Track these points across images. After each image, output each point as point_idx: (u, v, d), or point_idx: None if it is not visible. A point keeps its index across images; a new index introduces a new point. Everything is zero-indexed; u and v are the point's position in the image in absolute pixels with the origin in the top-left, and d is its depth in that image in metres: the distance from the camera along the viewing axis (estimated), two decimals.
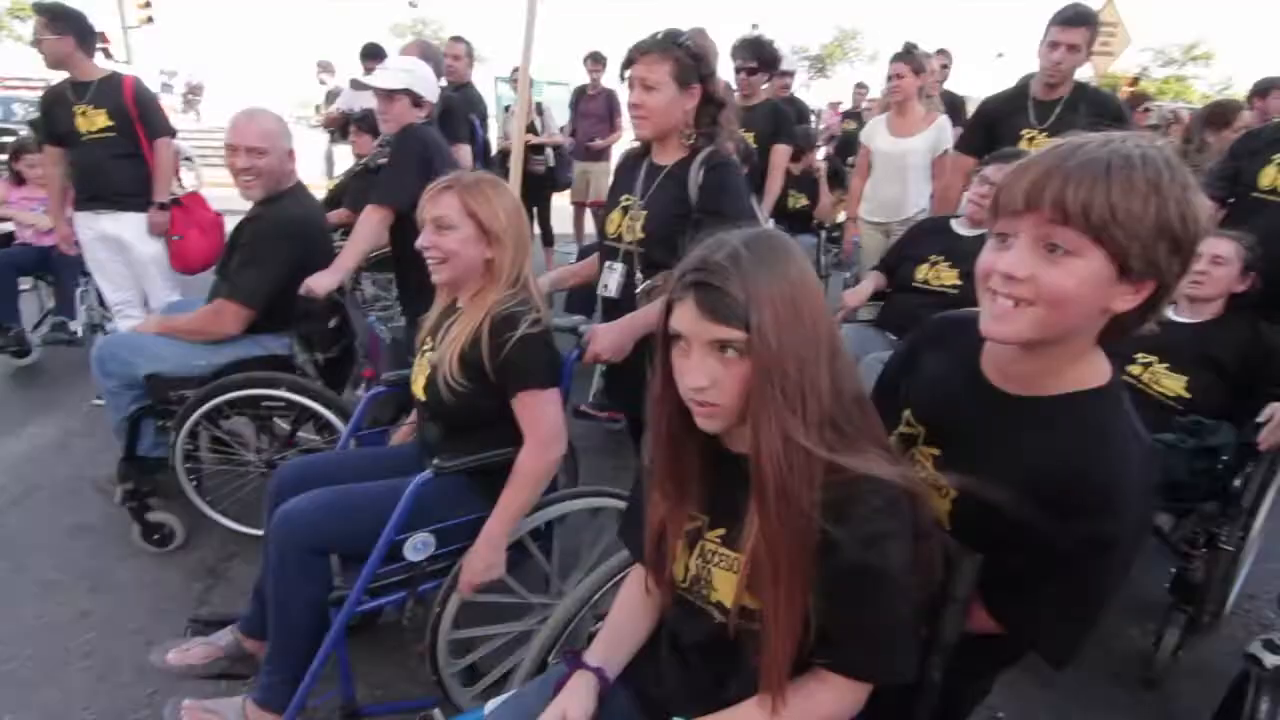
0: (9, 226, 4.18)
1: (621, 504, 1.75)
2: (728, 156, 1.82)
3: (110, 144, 3.20)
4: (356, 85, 2.72)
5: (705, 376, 0.90)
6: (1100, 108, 2.82)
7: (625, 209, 1.91)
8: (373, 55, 4.49)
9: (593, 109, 6.00)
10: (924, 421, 1.12)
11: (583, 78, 6.12)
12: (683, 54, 1.75)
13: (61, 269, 4.00)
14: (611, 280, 1.90)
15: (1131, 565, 0.96)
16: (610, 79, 6.02)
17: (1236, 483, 2.01)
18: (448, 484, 1.56)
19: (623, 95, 2.15)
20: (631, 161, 2.00)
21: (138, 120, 3.23)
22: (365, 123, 3.72)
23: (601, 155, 6.06)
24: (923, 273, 2.66)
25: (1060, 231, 0.84)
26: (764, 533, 0.91)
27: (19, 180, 4.22)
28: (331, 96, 7.06)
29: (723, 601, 1.01)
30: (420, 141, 2.47)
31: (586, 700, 1.05)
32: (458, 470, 1.53)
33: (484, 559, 1.53)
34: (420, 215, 1.62)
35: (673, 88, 1.76)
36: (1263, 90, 4.01)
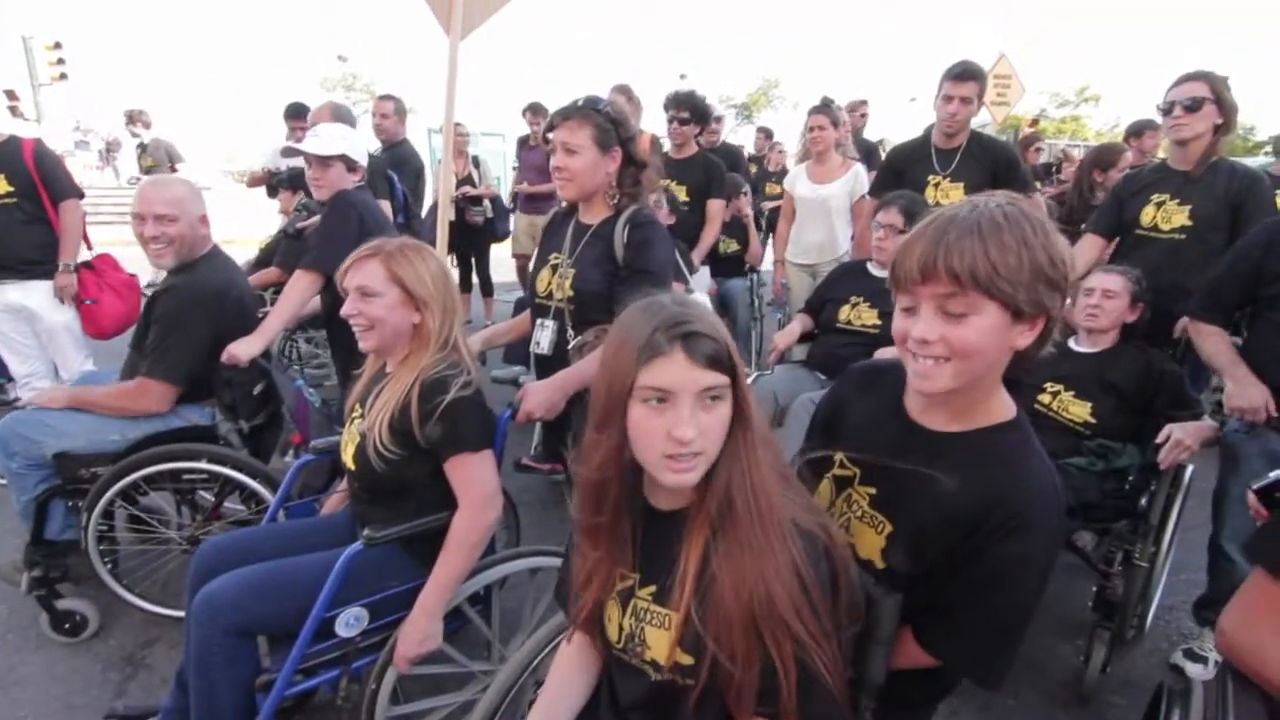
0: None
1: (545, 557, 1.74)
2: (651, 215, 1.89)
3: (12, 210, 3.09)
4: (288, 153, 2.68)
5: (695, 427, 0.92)
6: (994, 153, 3.05)
7: (554, 267, 1.95)
8: (297, 115, 4.46)
9: (534, 160, 5.84)
10: (858, 463, 1.18)
11: (523, 129, 6.03)
12: (602, 119, 1.82)
13: None
14: (544, 338, 1.93)
15: (1047, 583, 1.03)
16: None
17: (1143, 501, 2.14)
18: (379, 554, 1.53)
19: None
20: (559, 220, 2.05)
21: (41, 183, 3.12)
22: (290, 182, 3.68)
23: (546, 206, 5.86)
24: (845, 314, 2.77)
25: (955, 299, 0.97)
26: (726, 579, 0.94)
27: None
28: (144, 149, 6.54)
29: (656, 659, 1.01)
30: (354, 206, 2.46)
31: None
32: (389, 540, 1.50)
33: (420, 630, 1.49)
34: (341, 283, 1.61)
35: (594, 151, 1.82)
36: (1137, 131, 4.39)
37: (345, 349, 2.65)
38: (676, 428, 0.92)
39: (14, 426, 2.14)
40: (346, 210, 2.44)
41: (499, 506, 1.56)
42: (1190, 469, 2.24)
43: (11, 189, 3.08)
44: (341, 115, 3.59)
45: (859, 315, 2.74)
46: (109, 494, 2.13)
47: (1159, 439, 2.07)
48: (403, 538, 1.53)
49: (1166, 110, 2.47)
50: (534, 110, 5.82)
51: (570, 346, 1.87)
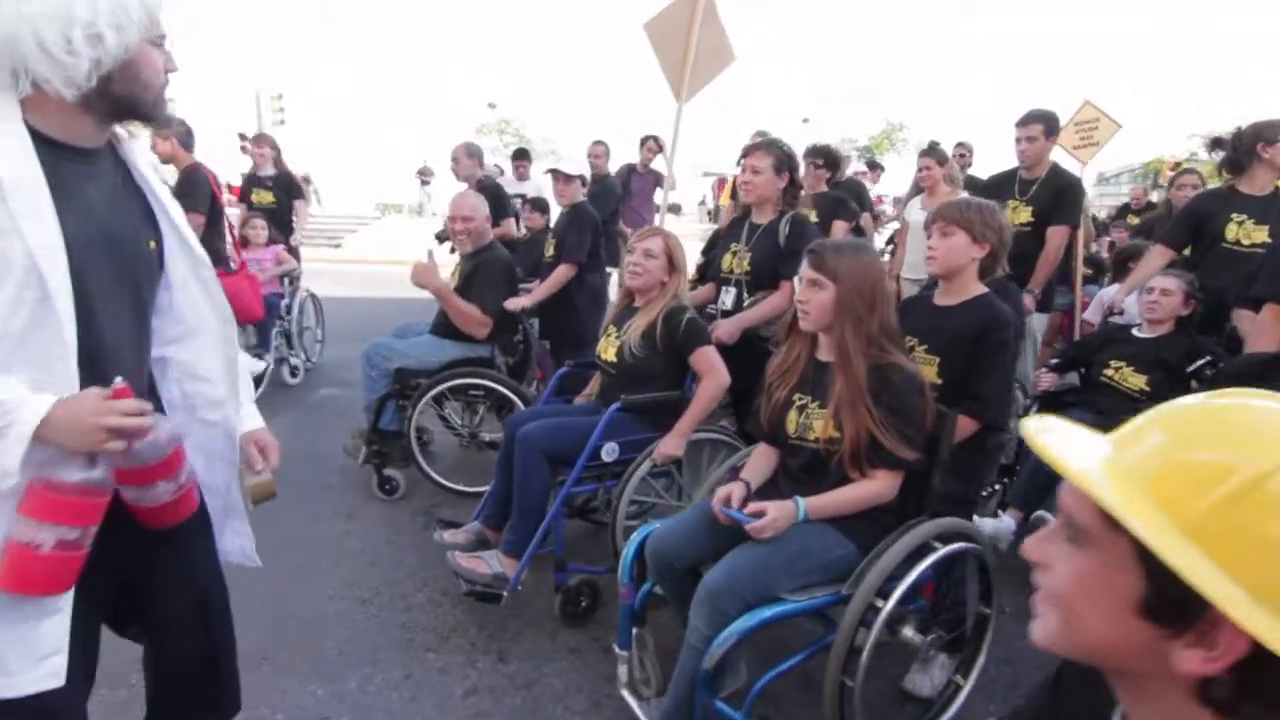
0: None
1: (726, 438, 2.64)
2: (805, 216, 2.79)
3: None
4: (552, 173, 3.85)
5: (806, 295, 1.87)
6: (1061, 181, 3.69)
7: (734, 253, 2.88)
8: (520, 156, 5.85)
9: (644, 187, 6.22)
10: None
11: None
12: (780, 153, 2.76)
13: (265, 314, 5.18)
14: (727, 299, 2.86)
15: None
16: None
17: None
18: (623, 417, 2.47)
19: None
20: (735, 223, 2.99)
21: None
22: (536, 204, 4.92)
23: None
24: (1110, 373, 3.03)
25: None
26: (844, 388, 1.81)
27: (244, 243, 5.46)
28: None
29: (818, 435, 1.87)
30: (591, 213, 3.59)
31: (740, 491, 1.91)
32: (635, 404, 2.45)
33: (676, 442, 2.43)
34: (632, 244, 2.60)
35: (770, 173, 2.75)
36: None
37: (557, 322, 3.75)
38: (797, 296, 1.89)
39: (377, 349, 3.32)
40: (588, 217, 3.55)
41: (727, 377, 2.49)
42: None
43: None
44: (474, 151, 4.83)
45: (1124, 377, 2.97)
46: (426, 398, 3.25)
47: None
48: (641, 406, 2.48)
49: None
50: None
51: (746, 304, 2.80)
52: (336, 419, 4.45)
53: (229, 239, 4.35)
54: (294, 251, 5.59)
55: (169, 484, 1.20)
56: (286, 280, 5.40)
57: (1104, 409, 2.94)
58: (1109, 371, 3.01)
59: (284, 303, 5.29)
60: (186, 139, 4.33)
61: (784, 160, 2.78)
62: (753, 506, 1.81)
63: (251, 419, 1.46)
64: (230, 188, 7.45)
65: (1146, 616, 0.52)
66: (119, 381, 1.09)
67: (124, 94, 1.11)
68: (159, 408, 1.30)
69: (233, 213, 5.57)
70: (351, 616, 2.52)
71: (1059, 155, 4.08)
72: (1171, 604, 0.51)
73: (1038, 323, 3.90)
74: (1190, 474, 0.52)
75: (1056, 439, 0.60)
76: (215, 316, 1.33)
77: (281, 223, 5.60)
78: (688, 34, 3.32)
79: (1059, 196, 3.60)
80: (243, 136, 17.58)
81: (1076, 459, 0.56)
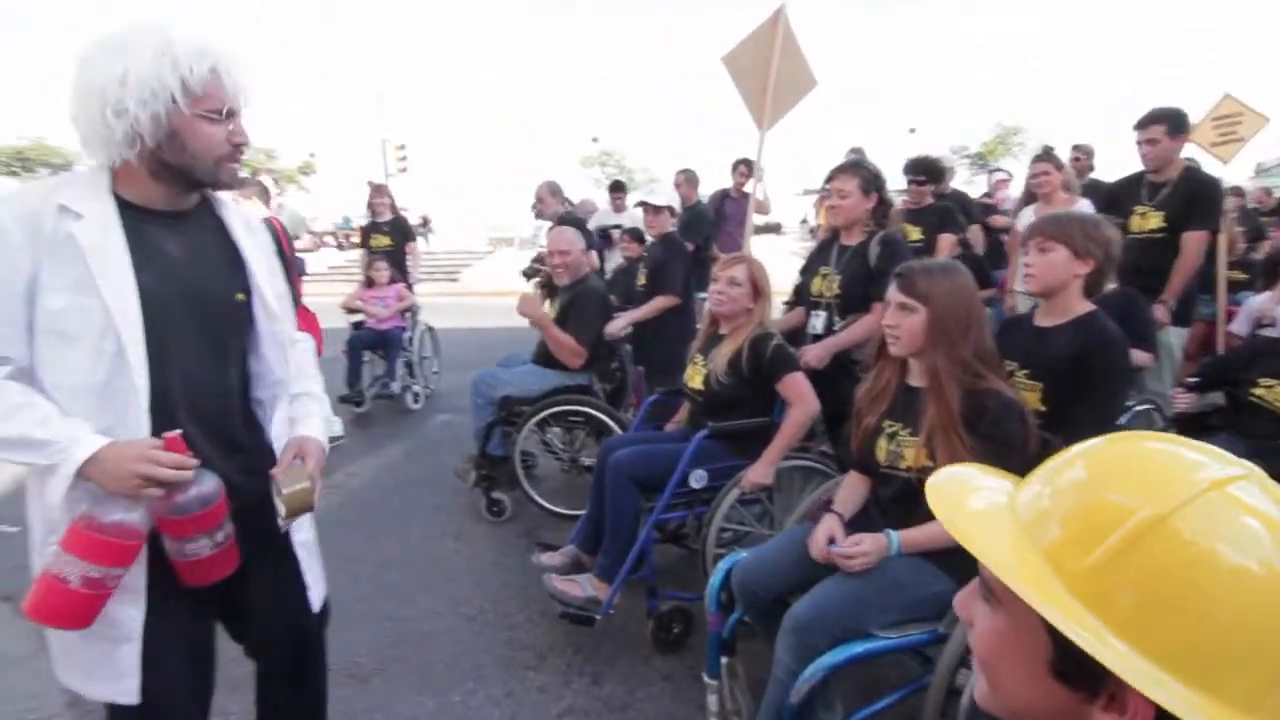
0: (361, 316, 5.90)
1: (819, 465, 2.58)
2: (897, 235, 2.72)
3: None
4: (643, 206, 3.96)
5: (895, 320, 1.81)
6: (1195, 184, 3.35)
7: (824, 276, 2.84)
8: (617, 189, 6.07)
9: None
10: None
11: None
12: (866, 173, 2.71)
13: (390, 346, 5.63)
14: (817, 323, 2.82)
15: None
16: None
17: None
18: (711, 444, 2.48)
19: None
20: (825, 244, 2.94)
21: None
22: (633, 234, 5.06)
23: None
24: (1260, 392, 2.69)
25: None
26: (936, 416, 1.75)
27: (369, 283, 5.98)
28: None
29: (910, 465, 1.81)
30: (681, 244, 3.66)
31: (838, 527, 1.87)
32: (722, 431, 2.46)
33: (764, 469, 2.42)
34: (716, 273, 2.63)
35: (858, 194, 2.70)
36: None
37: (651, 344, 3.80)
38: (885, 319, 1.82)
39: (484, 377, 3.53)
40: (678, 247, 3.63)
41: (817, 404, 2.46)
42: None
43: None
44: (555, 189, 5.01)
45: (1277, 397, 2.67)
46: (530, 424, 3.40)
47: None
48: (727, 434, 2.48)
49: None
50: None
51: (837, 328, 2.74)
52: (452, 443, 4.72)
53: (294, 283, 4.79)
54: (409, 288, 6.03)
55: (207, 539, 1.23)
56: (408, 314, 5.85)
57: (1255, 433, 2.65)
58: (1259, 391, 2.70)
59: (405, 335, 5.74)
60: (264, 196, 4.74)
61: (870, 180, 2.73)
62: (846, 541, 1.78)
63: (306, 425, 1.46)
64: (361, 230, 8.19)
65: (1059, 679, 0.50)
66: (173, 433, 1.17)
67: (175, 163, 1.21)
68: (262, 445, 1.42)
69: (355, 255, 6.12)
70: (458, 632, 2.66)
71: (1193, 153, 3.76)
72: (1077, 666, 0.48)
73: (1175, 336, 3.56)
74: (1087, 523, 0.49)
75: (967, 500, 0.58)
76: (287, 368, 1.46)
77: (398, 263, 6.07)
78: (767, 63, 3.34)
79: (1194, 199, 3.29)
80: (371, 184, 19.47)
81: (972, 523, 0.54)
